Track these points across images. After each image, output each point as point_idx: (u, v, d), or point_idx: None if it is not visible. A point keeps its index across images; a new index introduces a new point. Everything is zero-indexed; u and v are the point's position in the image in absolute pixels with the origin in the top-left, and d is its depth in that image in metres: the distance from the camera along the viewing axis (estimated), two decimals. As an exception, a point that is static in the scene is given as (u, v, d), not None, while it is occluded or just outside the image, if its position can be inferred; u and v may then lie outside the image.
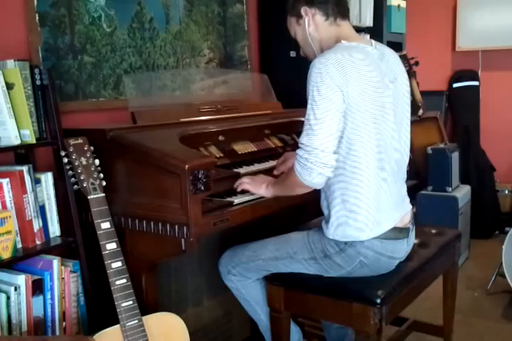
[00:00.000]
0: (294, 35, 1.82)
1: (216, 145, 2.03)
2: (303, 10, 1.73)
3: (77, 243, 1.80)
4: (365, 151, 1.60)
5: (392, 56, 1.74)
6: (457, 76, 4.24)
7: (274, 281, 1.83)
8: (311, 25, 1.73)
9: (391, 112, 1.65)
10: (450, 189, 3.34)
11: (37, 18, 1.95)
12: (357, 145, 1.59)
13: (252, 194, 1.81)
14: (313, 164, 1.54)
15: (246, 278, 1.87)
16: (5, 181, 1.66)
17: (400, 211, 1.74)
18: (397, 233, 1.70)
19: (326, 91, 1.53)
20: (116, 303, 1.56)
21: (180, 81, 2.41)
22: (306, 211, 2.35)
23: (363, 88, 1.56)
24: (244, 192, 1.82)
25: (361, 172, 1.61)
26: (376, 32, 3.16)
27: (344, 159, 1.60)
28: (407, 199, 1.83)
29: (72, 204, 1.78)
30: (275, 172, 1.95)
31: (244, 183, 1.82)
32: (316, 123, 1.54)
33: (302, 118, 2.34)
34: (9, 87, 1.65)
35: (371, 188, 1.63)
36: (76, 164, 1.61)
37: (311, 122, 1.55)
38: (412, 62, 3.39)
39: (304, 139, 1.57)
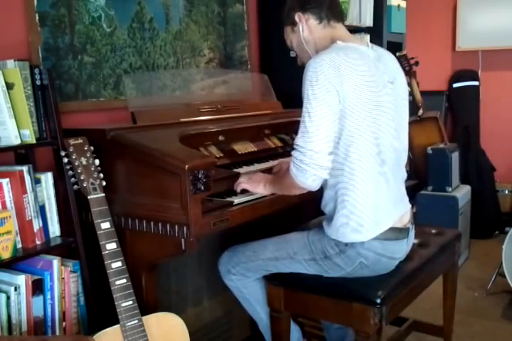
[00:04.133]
0: (290, 45, 1.83)
1: (216, 145, 2.03)
2: (297, 16, 1.74)
3: (77, 243, 1.80)
4: (363, 151, 1.60)
5: (390, 57, 1.75)
6: (457, 76, 4.25)
7: (274, 281, 1.83)
8: (305, 30, 1.74)
9: (390, 112, 1.65)
10: (450, 189, 3.34)
11: (37, 18, 1.94)
12: (355, 145, 1.59)
13: (253, 194, 1.81)
14: (308, 166, 1.54)
15: (246, 277, 1.88)
16: (5, 181, 1.66)
17: (398, 210, 1.75)
18: (397, 233, 1.70)
19: (322, 93, 1.53)
20: (116, 303, 1.56)
21: (180, 81, 2.41)
22: (305, 211, 2.35)
23: (358, 88, 1.55)
24: (244, 191, 1.82)
25: (360, 173, 1.61)
26: (376, 32, 3.15)
27: (343, 160, 1.60)
28: (406, 199, 1.83)
29: (72, 204, 1.78)
30: None
31: (242, 183, 1.82)
32: (311, 125, 1.54)
33: (302, 119, 2.36)
34: (9, 87, 1.65)
35: (370, 188, 1.63)
36: (76, 164, 1.61)
37: (306, 124, 1.55)
38: (412, 62, 3.39)
39: (298, 141, 1.57)
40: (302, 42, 1.76)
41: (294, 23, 1.76)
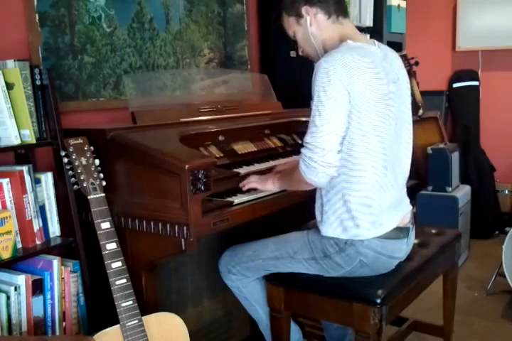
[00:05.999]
0: (292, 35, 1.80)
1: (216, 145, 2.03)
2: (304, 9, 1.71)
3: (77, 243, 1.80)
4: (368, 151, 1.60)
5: (394, 56, 1.75)
6: (457, 76, 4.25)
7: (274, 281, 1.83)
8: (313, 25, 1.72)
9: (394, 111, 1.65)
10: (450, 189, 3.34)
11: (37, 18, 1.94)
12: (360, 145, 1.59)
13: (253, 194, 1.81)
14: (318, 163, 1.55)
15: (246, 277, 1.88)
16: (5, 181, 1.66)
17: (400, 211, 1.75)
18: (397, 233, 1.70)
19: (333, 92, 1.53)
20: (116, 303, 1.56)
21: (180, 81, 2.41)
22: (305, 211, 2.35)
23: (369, 89, 1.56)
24: (245, 191, 1.82)
25: (364, 172, 1.61)
26: (376, 32, 3.16)
27: (347, 157, 1.60)
28: (407, 200, 1.83)
29: (72, 204, 1.78)
30: None
31: (251, 182, 1.83)
32: (321, 123, 1.54)
33: (302, 118, 2.36)
34: (9, 87, 1.64)
35: (374, 188, 1.63)
36: (76, 164, 1.61)
37: (317, 122, 1.55)
38: (412, 62, 3.39)
39: (308, 138, 1.57)
40: (309, 36, 1.73)
41: (299, 15, 1.72)
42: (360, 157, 1.60)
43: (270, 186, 1.80)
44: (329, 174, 1.57)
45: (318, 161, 1.55)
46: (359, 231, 1.64)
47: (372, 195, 1.63)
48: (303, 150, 1.59)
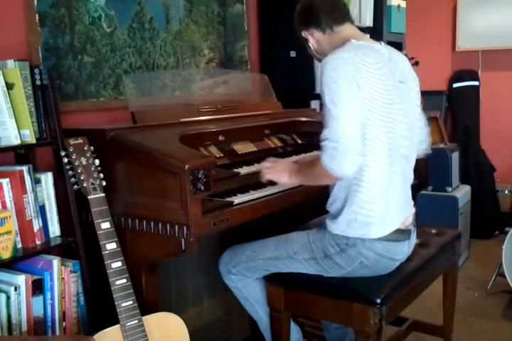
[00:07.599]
0: (313, 55, 1.89)
1: (216, 145, 2.03)
2: (303, 34, 1.81)
3: (77, 243, 1.80)
4: (376, 149, 1.60)
5: (400, 56, 1.76)
6: (457, 76, 4.25)
7: (274, 281, 1.83)
8: (315, 43, 1.81)
9: (401, 112, 1.65)
10: (450, 189, 3.34)
11: (37, 18, 1.94)
12: (369, 142, 1.58)
13: (252, 194, 1.81)
14: (344, 152, 1.51)
15: (246, 277, 1.88)
16: (5, 181, 1.66)
17: (405, 212, 1.75)
18: (399, 235, 1.69)
19: (343, 82, 1.54)
20: (116, 303, 1.57)
21: (180, 81, 2.41)
22: (306, 211, 2.35)
23: (374, 87, 1.56)
24: (245, 191, 1.82)
25: (372, 170, 1.61)
26: (376, 32, 3.16)
27: None
28: (411, 202, 1.82)
29: (72, 204, 1.78)
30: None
31: (266, 174, 1.79)
32: (338, 112, 1.52)
33: (302, 118, 2.37)
34: (9, 87, 1.64)
35: (382, 185, 1.63)
36: (76, 164, 1.61)
37: (333, 112, 1.53)
38: (412, 62, 3.38)
39: (328, 131, 1.54)
40: (315, 55, 1.84)
41: (306, 41, 1.82)
42: (369, 155, 1.59)
43: (286, 179, 1.76)
44: (357, 162, 1.53)
45: (344, 150, 1.50)
46: (368, 228, 1.64)
47: (381, 192, 1.63)
48: (325, 143, 1.54)
